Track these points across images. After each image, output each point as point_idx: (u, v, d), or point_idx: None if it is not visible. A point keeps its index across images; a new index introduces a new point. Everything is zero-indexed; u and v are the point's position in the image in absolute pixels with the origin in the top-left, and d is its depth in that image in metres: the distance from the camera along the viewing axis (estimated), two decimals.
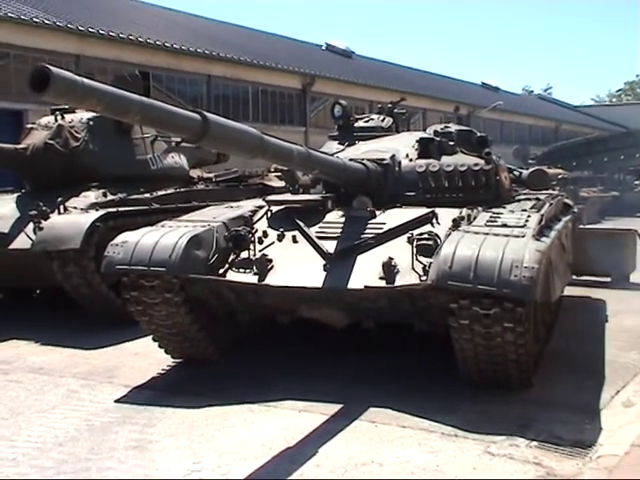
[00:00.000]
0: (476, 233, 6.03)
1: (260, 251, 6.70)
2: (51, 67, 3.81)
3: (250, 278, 6.50)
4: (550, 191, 9.63)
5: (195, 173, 13.02)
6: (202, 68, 24.60)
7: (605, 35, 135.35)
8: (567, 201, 9.96)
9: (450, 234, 6.16)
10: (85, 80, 4.06)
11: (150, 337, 7.09)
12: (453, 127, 8.65)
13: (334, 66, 34.26)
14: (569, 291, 10.63)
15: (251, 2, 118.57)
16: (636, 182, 34.73)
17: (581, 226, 15.37)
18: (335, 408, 5.93)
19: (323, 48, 42.58)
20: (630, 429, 5.33)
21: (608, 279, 12.02)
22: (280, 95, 28.87)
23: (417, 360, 7.14)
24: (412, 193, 7.64)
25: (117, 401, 6.28)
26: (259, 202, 7.78)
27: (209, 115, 4.98)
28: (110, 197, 9.74)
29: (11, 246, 8.95)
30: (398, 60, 49.72)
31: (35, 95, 3.83)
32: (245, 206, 7.72)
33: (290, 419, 5.74)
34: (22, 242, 8.88)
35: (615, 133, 42.27)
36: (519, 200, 8.31)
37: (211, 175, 13.08)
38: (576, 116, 61.08)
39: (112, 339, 8.32)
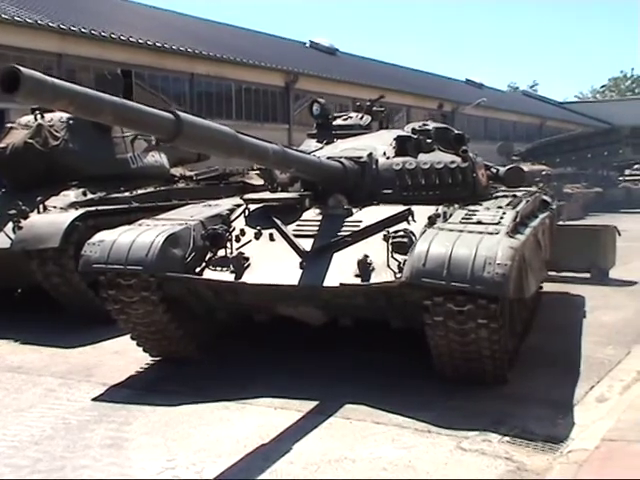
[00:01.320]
0: (450, 230, 6.10)
1: (237, 249, 6.73)
2: (21, 68, 3.83)
3: (227, 276, 6.53)
4: (528, 188, 9.69)
5: (177, 171, 13.03)
6: (185, 66, 24.57)
7: (590, 31, 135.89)
8: (545, 198, 10.04)
9: (425, 231, 6.22)
10: (56, 81, 4.08)
11: (129, 335, 7.12)
12: (431, 125, 8.69)
13: (318, 63, 34.27)
14: (549, 287, 10.77)
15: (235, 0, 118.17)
16: (619, 178, 34.89)
17: (563, 222, 15.57)
18: (311, 405, 5.98)
19: (307, 45, 42.54)
20: (602, 424, 5.39)
21: (588, 275, 12.12)
22: (263, 93, 28.87)
23: (395, 357, 7.17)
24: (389, 191, 7.67)
25: (94, 399, 6.31)
26: (237, 200, 7.81)
27: (182, 115, 5.00)
28: (90, 196, 9.73)
29: None
30: (383, 57, 49.91)
31: (6, 96, 3.84)
32: (223, 204, 7.74)
33: (266, 416, 5.78)
34: (1, 242, 8.86)
35: (599, 129, 42.48)
36: (496, 197, 8.38)
37: (192, 173, 13.07)
38: (561, 112, 61.28)
39: (92, 338, 8.33)
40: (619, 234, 12.16)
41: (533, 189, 9.88)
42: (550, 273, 11.29)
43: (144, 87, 23.16)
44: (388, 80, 36.98)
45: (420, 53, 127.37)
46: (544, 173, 30.00)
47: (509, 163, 31.11)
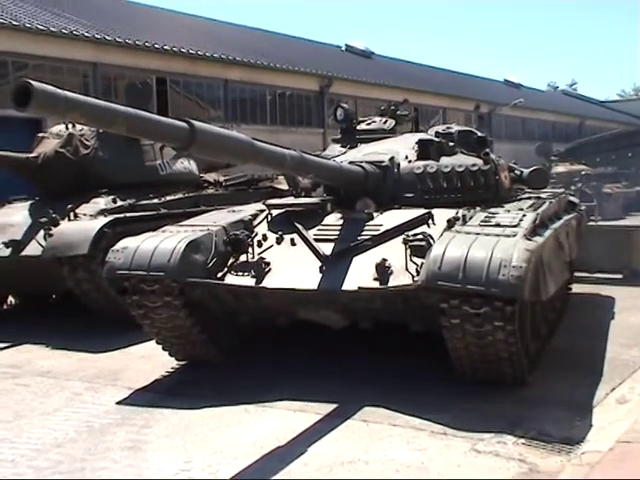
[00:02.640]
0: (468, 233, 6.12)
1: (258, 254, 6.82)
2: (32, 82, 3.95)
3: (248, 281, 6.62)
4: (554, 189, 9.67)
5: (211, 177, 13.19)
6: (219, 72, 24.74)
7: (631, 29, 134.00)
8: (572, 199, 9.99)
9: (442, 235, 6.26)
10: (68, 93, 4.19)
11: (155, 340, 7.25)
12: (454, 128, 8.71)
13: (353, 67, 34.26)
14: (580, 288, 10.72)
15: (270, 5, 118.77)
16: None
17: (595, 222, 15.43)
18: (330, 408, 6.04)
19: (343, 49, 42.57)
20: (618, 425, 5.36)
21: (620, 276, 12.00)
22: (297, 97, 28.94)
23: (415, 360, 7.20)
24: (411, 194, 7.71)
25: (118, 403, 6.45)
26: (261, 206, 7.90)
27: (196, 123, 5.09)
28: (119, 203, 9.93)
29: (23, 253, 9.21)
30: (419, 59, 49.71)
31: (18, 109, 3.97)
32: (246, 210, 7.83)
33: (284, 419, 5.85)
34: (33, 249, 9.12)
35: (639, 128, 41.83)
36: (520, 199, 8.37)
37: (224, 179, 13.23)
38: (601, 111, 60.49)
39: (120, 342, 8.49)
40: None
41: (559, 190, 9.84)
42: (582, 274, 11.26)
43: (179, 92, 23.45)
44: (424, 82, 36.90)
45: (458, 54, 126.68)
46: (583, 173, 29.74)
47: (548, 163, 31.08)
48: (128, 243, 6.80)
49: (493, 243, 5.80)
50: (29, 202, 10.37)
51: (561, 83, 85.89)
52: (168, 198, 10.58)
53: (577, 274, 10.62)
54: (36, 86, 3.96)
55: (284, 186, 13.19)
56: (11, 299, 11.54)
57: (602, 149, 34.52)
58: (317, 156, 6.97)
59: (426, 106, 35.79)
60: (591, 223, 13.15)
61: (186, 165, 11.77)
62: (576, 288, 10.52)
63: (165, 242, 6.69)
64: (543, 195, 8.58)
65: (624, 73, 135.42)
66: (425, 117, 34.97)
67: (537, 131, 46.43)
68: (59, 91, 4.14)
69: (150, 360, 7.74)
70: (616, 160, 34.38)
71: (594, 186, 27.98)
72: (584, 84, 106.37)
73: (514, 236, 5.95)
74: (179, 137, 5.05)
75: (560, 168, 30.88)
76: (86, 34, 19.91)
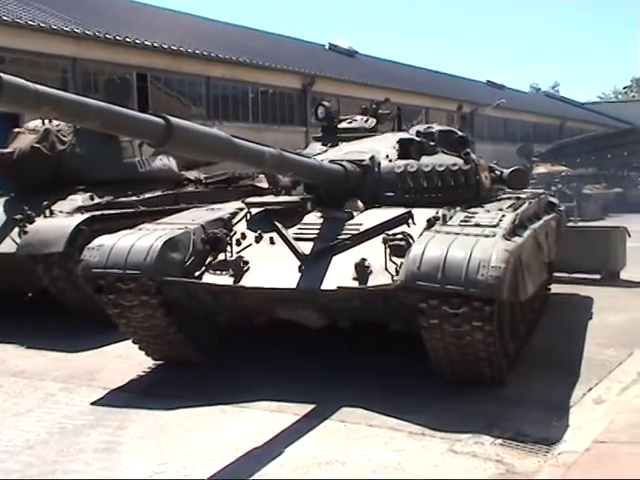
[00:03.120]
0: (447, 233, 6.09)
1: (237, 253, 6.75)
2: (2, 74, 3.85)
3: (226, 280, 6.55)
4: (534, 190, 9.65)
5: (192, 175, 13.07)
6: (201, 69, 24.60)
7: (612, 31, 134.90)
8: (552, 199, 9.98)
9: (422, 234, 6.22)
10: (39, 87, 4.09)
11: (131, 339, 7.16)
12: (435, 127, 8.66)
13: (336, 66, 34.20)
14: (558, 288, 10.73)
15: (254, 3, 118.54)
16: None
17: (574, 223, 15.49)
18: (308, 408, 5.99)
19: (326, 48, 42.51)
20: (595, 426, 5.36)
21: (598, 276, 12.03)
22: (280, 95, 28.84)
23: (394, 359, 7.16)
24: (391, 194, 7.66)
25: (93, 404, 6.35)
26: (240, 204, 7.82)
27: (173, 119, 5.01)
28: (97, 200, 9.80)
29: None
30: (403, 59, 49.75)
31: None
32: (226, 208, 7.75)
33: (262, 420, 5.79)
34: (7, 246, 8.97)
35: (618, 130, 42.10)
36: (500, 199, 8.35)
37: (202, 177, 13.10)
38: (582, 113, 60.83)
39: (96, 342, 8.37)
40: (629, 235, 12.07)
41: (539, 191, 9.83)
42: (561, 274, 11.28)
43: (160, 88, 23.30)
44: (407, 82, 36.91)
45: (442, 55, 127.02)
46: (564, 174, 29.92)
47: (529, 164, 31.20)
48: (104, 241, 6.71)
49: (472, 243, 5.77)
50: (4, 198, 10.17)
51: (544, 85, 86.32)
52: (147, 195, 10.45)
53: (556, 274, 10.63)
54: (5, 79, 3.87)
55: (265, 184, 13.06)
56: None
57: (582, 150, 34.70)
58: (298, 154, 6.89)
59: (409, 106, 35.80)
60: (570, 224, 13.18)
61: (165, 162, 11.64)
62: (555, 288, 10.52)
63: (142, 240, 6.61)
64: (523, 195, 8.57)
65: (605, 75, 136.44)
66: (408, 117, 34.95)
67: (519, 132, 46.61)
68: (29, 84, 4.05)
69: (127, 360, 7.65)
70: (596, 161, 34.59)
71: (574, 187, 28.14)
72: (566, 86, 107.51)
73: (493, 236, 5.93)
74: (155, 133, 4.97)
75: (541, 169, 31.05)
76: (65, 28, 19.70)
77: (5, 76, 3.85)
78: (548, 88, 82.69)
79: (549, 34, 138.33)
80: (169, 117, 4.99)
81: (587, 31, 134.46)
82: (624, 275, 12.15)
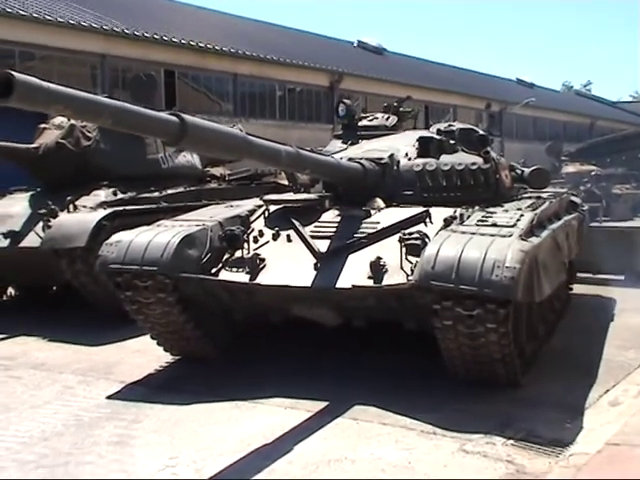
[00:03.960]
0: (463, 233, 6.04)
1: (254, 250, 6.79)
2: (14, 73, 3.90)
3: (242, 277, 6.59)
4: (557, 189, 9.59)
5: (217, 171, 13.15)
6: (228, 66, 24.72)
7: None
8: (574, 199, 9.90)
9: (438, 233, 6.21)
10: (51, 85, 4.13)
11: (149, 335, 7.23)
12: (456, 125, 8.64)
13: (364, 63, 34.18)
14: (581, 289, 10.64)
15: (283, 0, 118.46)
16: None
17: (599, 224, 15.33)
18: (321, 405, 6.00)
19: (355, 45, 42.46)
20: (609, 427, 5.32)
21: (622, 277, 11.91)
22: (307, 93, 28.90)
23: (408, 358, 7.16)
24: (410, 192, 7.64)
25: (109, 397, 6.42)
26: (259, 202, 7.85)
27: (187, 117, 5.03)
28: (120, 196, 9.91)
29: (21, 244, 9.19)
30: (432, 57, 49.54)
31: (0, 101, 3.92)
32: (244, 205, 7.79)
33: (274, 416, 5.82)
34: (31, 240, 9.11)
35: None
36: (521, 199, 8.30)
37: (226, 173, 13.18)
38: (613, 112, 60.22)
39: (116, 336, 8.46)
40: None
41: (562, 190, 9.76)
42: (584, 275, 11.18)
43: (188, 85, 23.43)
44: (435, 80, 36.79)
45: (470, 53, 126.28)
46: (593, 173, 29.57)
47: (558, 163, 30.95)
48: (122, 237, 6.77)
49: (488, 243, 5.73)
50: (29, 193, 10.36)
51: (576, 83, 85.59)
52: (169, 192, 10.55)
53: (579, 275, 10.55)
54: (18, 77, 3.90)
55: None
56: (11, 290, 11.55)
57: (612, 150, 34.26)
58: (318, 152, 6.90)
59: (437, 104, 35.76)
60: (594, 224, 13.04)
61: (189, 159, 11.73)
62: (577, 289, 10.45)
63: (159, 236, 6.66)
64: (544, 195, 8.51)
65: (638, 74, 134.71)
66: (436, 115, 34.95)
67: (548, 131, 46.26)
68: (42, 83, 4.08)
69: (145, 354, 7.72)
70: (626, 161, 34.15)
71: (603, 187, 27.81)
72: (599, 85, 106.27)
73: (510, 236, 5.88)
74: (169, 131, 4.99)
75: (570, 168, 30.72)
76: (94, 25, 19.91)
77: (17, 75, 3.89)
78: (580, 87, 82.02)
79: (582, 31, 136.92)
80: (183, 115, 5.01)
81: (621, 29, 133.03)
82: None
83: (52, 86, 4.13)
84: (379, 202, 7.33)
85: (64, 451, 5.18)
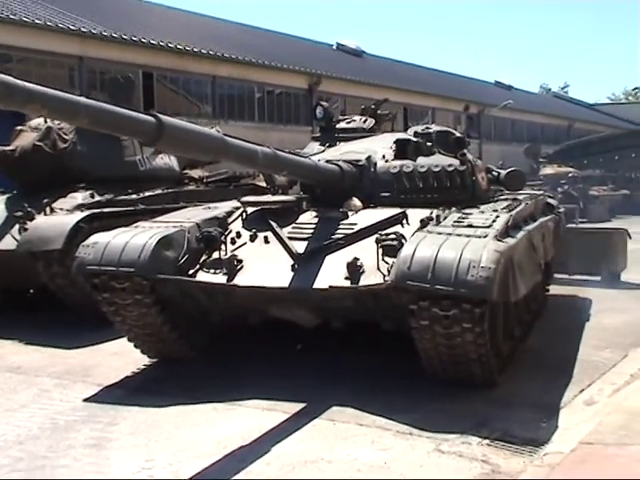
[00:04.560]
0: (439, 233, 6.09)
1: (231, 252, 6.79)
2: None
3: (219, 278, 6.59)
4: (533, 191, 9.65)
5: (196, 173, 13.10)
6: (207, 68, 24.65)
7: (622, 32, 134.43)
8: (550, 201, 9.99)
9: (414, 234, 6.24)
10: (27, 84, 4.12)
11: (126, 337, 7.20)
12: (433, 128, 8.67)
13: (343, 65, 34.21)
14: (558, 290, 10.72)
15: (262, 2, 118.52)
16: None
17: (575, 225, 15.45)
18: (298, 407, 6.01)
19: (334, 47, 42.51)
20: (583, 427, 5.36)
21: (598, 278, 12.02)
22: (286, 95, 28.88)
23: (386, 358, 7.18)
24: (387, 194, 7.68)
25: (86, 400, 6.38)
26: (236, 203, 7.84)
27: (164, 117, 5.03)
28: (97, 198, 9.86)
29: None
30: (410, 59, 49.66)
31: None
32: (222, 207, 7.79)
33: (252, 418, 5.82)
34: (7, 243, 9.05)
35: (626, 131, 41.97)
36: (497, 200, 8.35)
37: (203, 175, 13.14)
38: (590, 114, 60.70)
39: (93, 339, 8.41)
40: (630, 237, 12.05)
41: (538, 192, 9.82)
42: (561, 276, 11.28)
43: (167, 87, 23.35)
44: (413, 82, 36.90)
45: (450, 55, 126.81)
46: (570, 175, 29.81)
47: (536, 165, 31.14)
48: (99, 238, 6.76)
49: (463, 244, 5.78)
50: (6, 196, 10.27)
51: (554, 86, 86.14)
52: (147, 194, 10.50)
53: (556, 276, 10.64)
54: None
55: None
56: None
57: (590, 152, 34.62)
58: (296, 154, 6.92)
59: (416, 106, 35.87)
60: (571, 225, 13.17)
61: (166, 161, 11.68)
62: (554, 289, 10.53)
63: (136, 238, 6.65)
64: (520, 197, 8.56)
65: (616, 76, 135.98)
66: (414, 117, 35.07)
67: (526, 133, 46.53)
68: (18, 82, 4.07)
69: (122, 357, 7.69)
70: (603, 163, 34.51)
71: (581, 188, 28.05)
72: (576, 87, 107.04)
73: (485, 237, 5.93)
74: (146, 131, 4.99)
75: (548, 170, 30.97)
76: (72, 27, 19.80)
77: None
78: (558, 89, 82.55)
79: (560, 35, 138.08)
80: (160, 115, 5.02)
81: (598, 32, 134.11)
82: (624, 277, 12.14)
83: (28, 85, 4.13)
84: (356, 203, 7.36)
85: (40, 454, 5.15)
